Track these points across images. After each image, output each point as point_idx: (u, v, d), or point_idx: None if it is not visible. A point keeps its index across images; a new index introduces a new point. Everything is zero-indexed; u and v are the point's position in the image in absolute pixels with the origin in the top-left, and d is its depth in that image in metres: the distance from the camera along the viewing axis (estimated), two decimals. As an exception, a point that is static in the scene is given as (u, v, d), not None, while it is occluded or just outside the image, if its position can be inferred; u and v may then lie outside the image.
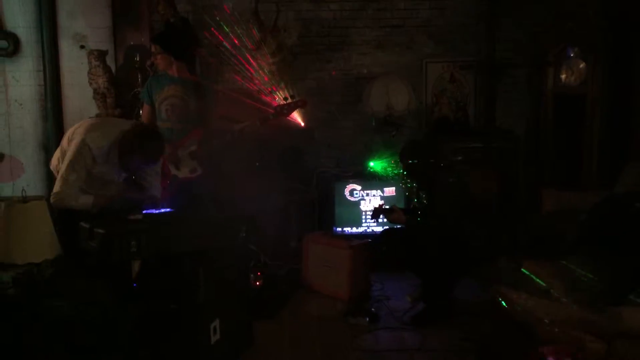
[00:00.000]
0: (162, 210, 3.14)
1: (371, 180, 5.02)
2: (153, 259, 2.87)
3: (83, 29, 5.28)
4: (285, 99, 4.40)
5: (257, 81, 4.96)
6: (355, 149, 5.47)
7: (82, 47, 5.26)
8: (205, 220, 3.08)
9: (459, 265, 3.83)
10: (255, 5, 4.87)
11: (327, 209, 5.03)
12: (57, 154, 3.37)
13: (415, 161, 3.94)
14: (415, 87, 5.46)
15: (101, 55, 4.94)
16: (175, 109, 3.99)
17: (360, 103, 5.36)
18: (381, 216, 4.07)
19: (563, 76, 5.10)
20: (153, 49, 4.06)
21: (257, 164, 4.99)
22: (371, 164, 5.08)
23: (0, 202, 2.87)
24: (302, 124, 5.03)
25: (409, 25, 5.59)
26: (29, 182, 5.43)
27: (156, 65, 4.05)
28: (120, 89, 5.13)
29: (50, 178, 5.35)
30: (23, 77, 5.30)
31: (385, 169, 5.00)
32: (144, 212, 3.09)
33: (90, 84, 5.02)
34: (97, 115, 5.11)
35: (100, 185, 3.32)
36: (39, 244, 2.79)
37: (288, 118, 4.66)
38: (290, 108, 4.14)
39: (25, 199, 2.80)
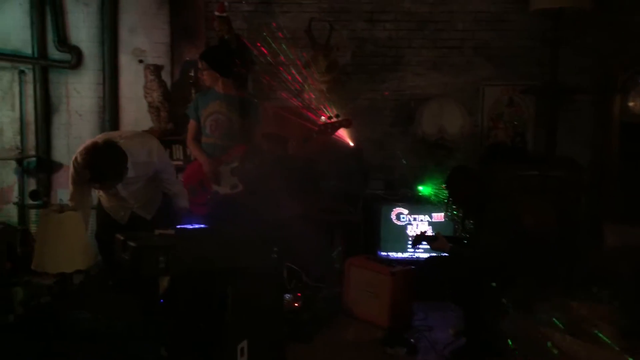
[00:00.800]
0: (196, 226, 3.12)
1: (419, 205, 4.86)
2: (181, 275, 2.83)
3: (142, 44, 5.42)
4: (330, 117, 4.32)
5: (306, 100, 4.92)
6: (404, 172, 5.33)
7: (140, 61, 5.39)
8: (237, 239, 3.03)
9: (506, 300, 3.62)
10: (309, 23, 4.85)
11: (373, 232, 4.89)
12: None
13: (463, 186, 3.76)
14: (471, 110, 5.28)
15: (157, 69, 5.04)
16: (219, 125, 4.02)
17: (412, 125, 5.23)
18: (423, 243, 3.91)
19: (631, 104, 4.81)
20: (200, 65, 4.11)
21: (303, 183, 4.91)
22: (420, 187, 4.92)
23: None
24: (351, 144, 4.93)
25: (467, 47, 5.43)
26: (84, 191, 5.58)
27: (203, 81, 4.09)
28: (174, 104, 5.22)
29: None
30: (84, 89, 5.48)
31: (434, 193, 4.82)
32: (178, 227, 3.08)
33: (146, 97, 5.13)
34: (151, 130, 5.20)
35: (118, 200, 3.42)
36: (71, 254, 2.81)
37: (337, 137, 4.60)
38: (334, 127, 4.07)
39: (61, 209, 2.83)
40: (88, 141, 3.26)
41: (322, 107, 4.72)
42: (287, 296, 4.34)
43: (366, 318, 4.17)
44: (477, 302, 3.56)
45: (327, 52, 4.80)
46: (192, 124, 4.21)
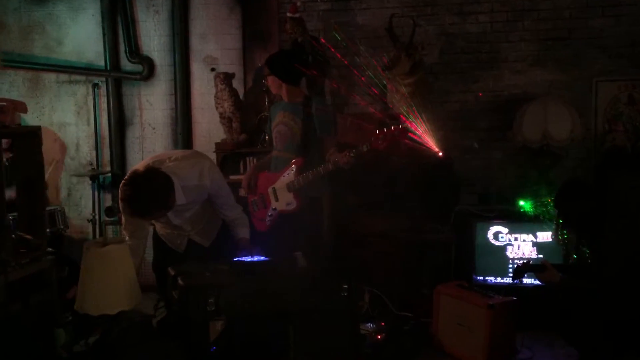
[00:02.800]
0: (255, 258, 2.71)
1: (521, 222, 4.21)
2: (235, 318, 2.43)
3: (214, 51, 5.15)
4: (408, 128, 3.80)
5: (388, 105, 4.44)
6: (502, 184, 4.70)
7: (212, 69, 5.12)
8: (299, 276, 2.60)
9: (631, 342, 2.97)
10: (390, 20, 4.34)
11: (466, 253, 4.30)
12: None
13: (577, 203, 3.15)
14: (582, 111, 4.54)
15: (227, 78, 4.72)
16: (281, 137, 3.70)
17: (510, 130, 4.57)
18: (526, 275, 3.31)
19: None
20: (265, 72, 3.76)
21: (384, 197, 4.43)
22: (521, 202, 4.27)
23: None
24: (440, 153, 4.37)
25: (576, 37, 4.70)
26: (158, 207, 5.40)
27: (268, 88, 3.75)
28: (247, 113, 4.89)
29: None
30: (156, 100, 5.29)
31: (539, 209, 4.16)
32: (235, 259, 2.69)
33: (217, 107, 4.83)
34: (223, 141, 4.91)
35: (173, 227, 3.11)
36: (115, 293, 2.48)
37: (423, 146, 4.09)
38: (388, 137, 3.50)
39: (105, 242, 2.51)
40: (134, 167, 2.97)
41: (404, 112, 4.20)
42: (369, 325, 3.94)
43: (459, 355, 3.66)
44: (596, 345, 2.97)
45: (410, 51, 4.27)
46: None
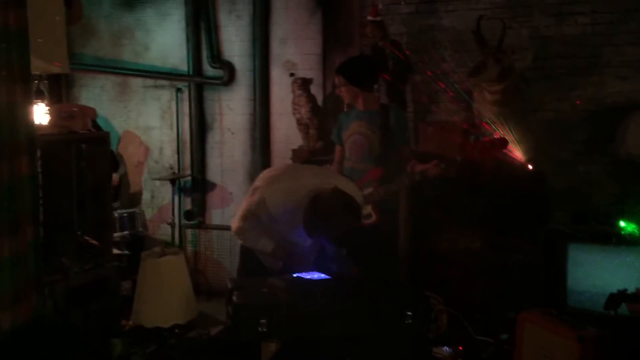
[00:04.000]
0: (314, 275, 2.54)
1: (620, 245, 3.77)
2: (290, 340, 2.27)
3: (293, 56, 5.05)
4: (490, 135, 3.53)
5: (473, 113, 4.14)
6: (600, 202, 4.25)
7: (291, 74, 5.03)
8: (362, 298, 2.40)
9: None
10: (477, 22, 4.04)
11: (556, 277, 3.91)
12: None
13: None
14: (697, 122, 4.02)
15: (305, 83, 4.62)
16: (357, 147, 3.50)
17: (612, 142, 4.14)
18: (622, 305, 2.93)
19: None
20: (337, 81, 3.57)
21: (466, 211, 4.14)
22: (623, 223, 3.83)
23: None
24: (530, 166, 4.03)
25: (692, 39, 4.19)
26: (235, 212, 5.37)
27: (341, 98, 3.56)
28: (325, 120, 4.76)
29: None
30: (236, 106, 5.27)
31: (643, 232, 3.72)
32: (294, 275, 2.54)
33: (294, 113, 4.75)
34: (300, 148, 4.81)
35: (282, 241, 2.86)
36: (170, 305, 2.41)
37: (511, 158, 3.79)
38: (484, 149, 3.23)
39: (162, 253, 2.44)
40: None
41: (491, 121, 3.90)
42: (446, 349, 3.66)
43: (545, 392, 3.28)
44: None
45: (499, 55, 3.95)
46: (338, 149, 3.76)
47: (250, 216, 2.78)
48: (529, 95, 4.42)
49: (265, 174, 2.94)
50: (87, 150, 2.91)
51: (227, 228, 5.25)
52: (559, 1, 4.40)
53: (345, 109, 4.54)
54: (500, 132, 3.61)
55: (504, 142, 3.32)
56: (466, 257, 4.10)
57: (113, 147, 5.36)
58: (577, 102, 4.42)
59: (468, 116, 4.34)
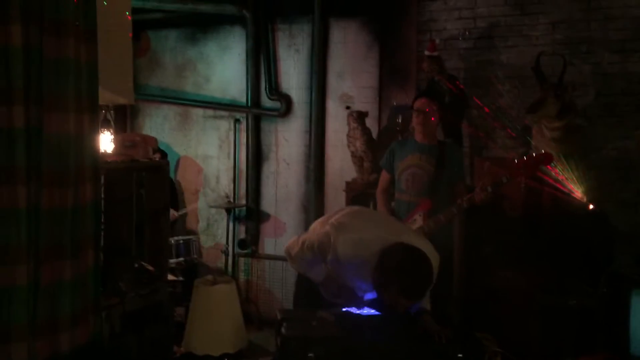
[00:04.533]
0: (364, 310, 2.52)
1: (689, 293, 3.57)
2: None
3: (350, 89, 5.11)
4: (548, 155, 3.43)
5: (531, 150, 4.05)
6: (667, 246, 4.05)
7: (347, 107, 5.08)
8: (411, 337, 2.36)
9: None
10: (537, 58, 3.99)
11: (618, 322, 3.73)
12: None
13: None
14: None
15: (360, 116, 4.64)
16: (415, 180, 3.48)
17: (679, 183, 3.96)
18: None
19: None
20: (418, 105, 3.56)
21: (524, 249, 4.03)
22: (691, 269, 3.63)
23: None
24: (591, 205, 3.90)
25: None
26: (288, 242, 5.40)
27: (411, 128, 3.58)
28: (379, 152, 4.75)
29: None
30: (292, 137, 5.35)
31: None
32: (343, 309, 2.53)
33: (349, 146, 4.76)
34: (354, 181, 4.81)
35: (339, 280, 2.77)
36: (220, 334, 2.43)
37: (571, 195, 3.69)
38: (528, 166, 3.16)
39: (214, 281, 2.48)
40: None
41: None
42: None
43: None
44: None
45: (559, 92, 3.87)
46: (384, 175, 3.74)
47: (314, 249, 2.73)
48: (591, 133, 4.31)
49: (344, 214, 2.78)
50: (146, 178, 3.01)
51: (280, 258, 5.31)
52: (622, 37, 4.29)
53: (399, 138, 4.54)
54: (559, 169, 3.51)
55: (548, 158, 3.25)
56: (522, 298, 3.97)
57: (172, 174, 5.52)
58: (642, 140, 4.26)
59: (526, 153, 4.25)
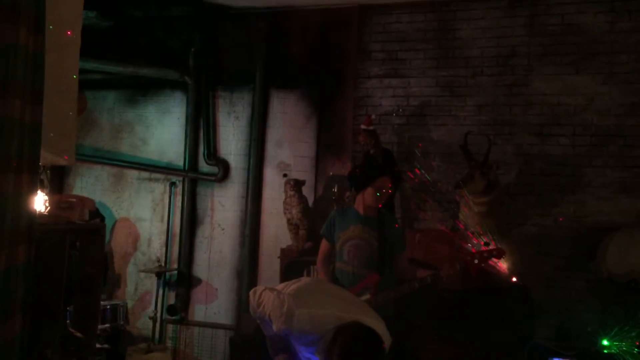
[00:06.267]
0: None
1: (603, 365, 3.77)
2: None
3: (287, 158, 5.23)
4: (487, 244, 3.61)
5: (458, 223, 4.25)
6: (583, 319, 4.25)
7: (284, 175, 5.17)
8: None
9: None
10: (465, 138, 4.25)
11: (540, 395, 3.88)
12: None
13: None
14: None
15: (297, 184, 4.74)
16: (359, 252, 3.51)
17: (593, 260, 4.23)
18: None
19: None
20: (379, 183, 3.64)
21: (453, 320, 4.14)
22: (605, 342, 3.85)
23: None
24: (514, 278, 4.08)
25: (668, 166, 4.39)
26: (219, 309, 5.33)
27: (346, 198, 3.67)
28: (314, 221, 4.84)
29: (240, 307, 5.18)
30: (228, 202, 5.37)
31: (625, 352, 3.73)
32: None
33: (285, 213, 4.83)
34: (289, 248, 4.85)
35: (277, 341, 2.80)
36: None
37: (495, 269, 3.85)
38: (482, 257, 3.36)
39: (149, 349, 2.42)
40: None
41: (476, 232, 4.00)
42: None
43: None
44: None
45: (485, 169, 4.13)
46: (325, 245, 3.74)
47: (265, 315, 2.63)
48: (514, 209, 4.57)
49: (298, 287, 2.69)
50: (81, 240, 2.94)
51: (210, 325, 5.21)
52: (541, 122, 4.62)
53: (335, 207, 4.61)
54: (485, 242, 3.68)
55: (501, 253, 3.43)
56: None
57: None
58: (560, 218, 4.54)
59: (454, 226, 4.44)
